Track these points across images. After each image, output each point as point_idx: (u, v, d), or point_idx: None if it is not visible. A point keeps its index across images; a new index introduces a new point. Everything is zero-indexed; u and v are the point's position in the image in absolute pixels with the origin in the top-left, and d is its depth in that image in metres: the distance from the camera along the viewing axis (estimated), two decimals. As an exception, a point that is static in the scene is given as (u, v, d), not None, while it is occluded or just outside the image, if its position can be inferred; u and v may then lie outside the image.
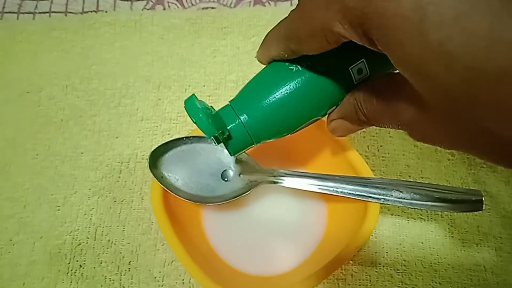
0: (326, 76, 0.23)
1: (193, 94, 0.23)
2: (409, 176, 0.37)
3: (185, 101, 0.22)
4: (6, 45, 0.42)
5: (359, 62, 0.23)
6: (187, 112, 0.22)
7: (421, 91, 0.16)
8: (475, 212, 0.35)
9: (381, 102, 0.21)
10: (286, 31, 0.21)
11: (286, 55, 0.22)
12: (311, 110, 0.24)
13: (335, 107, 0.24)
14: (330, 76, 0.23)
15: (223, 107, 0.24)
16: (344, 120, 0.24)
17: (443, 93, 0.15)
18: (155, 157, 0.31)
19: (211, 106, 0.24)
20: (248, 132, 0.24)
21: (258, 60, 0.25)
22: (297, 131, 0.25)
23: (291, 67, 0.23)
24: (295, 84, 0.23)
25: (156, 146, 0.31)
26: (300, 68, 0.23)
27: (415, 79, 0.16)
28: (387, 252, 0.34)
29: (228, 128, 0.23)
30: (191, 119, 0.22)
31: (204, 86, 0.41)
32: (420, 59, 0.14)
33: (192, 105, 0.22)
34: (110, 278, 0.33)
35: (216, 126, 0.22)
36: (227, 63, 0.42)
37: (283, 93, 0.23)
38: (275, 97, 0.23)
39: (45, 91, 0.40)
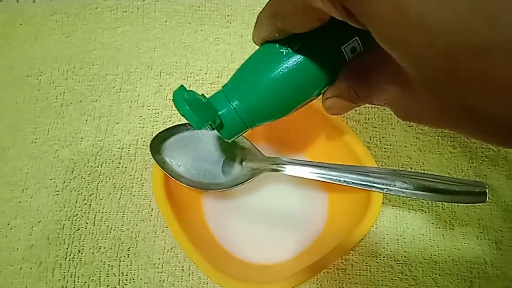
0: (318, 57, 0.22)
1: (182, 85, 0.23)
2: (411, 168, 0.37)
3: (173, 93, 0.22)
4: (6, 28, 0.42)
5: (352, 40, 0.22)
6: (175, 105, 0.22)
7: (404, 66, 0.15)
8: (476, 205, 0.35)
9: (369, 81, 0.21)
10: (272, 9, 0.21)
11: (276, 34, 0.22)
12: (304, 92, 0.23)
13: (329, 86, 0.24)
14: (322, 57, 0.22)
15: (215, 94, 0.24)
16: (338, 98, 0.23)
17: (425, 68, 0.14)
18: (157, 143, 0.31)
19: (202, 95, 0.24)
20: (240, 117, 0.23)
21: (253, 41, 0.24)
22: (292, 112, 0.24)
23: (282, 50, 0.22)
24: (286, 66, 0.22)
25: (157, 132, 0.31)
26: (291, 50, 0.22)
27: (397, 55, 0.15)
28: (387, 243, 0.34)
29: (219, 114, 0.23)
30: (179, 112, 0.22)
31: (206, 73, 0.40)
32: (400, 34, 0.14)
33: (179, 98, 0.22)
34: (108, 264, 0.33)
35: (205, 116, 0.22)
36: (230, 51, 0.42)
37: (274, 76, 0.22)
38: (266, 81, 0.22)
39: (46, 75, 0.40)
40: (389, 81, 0.19)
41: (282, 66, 0.22)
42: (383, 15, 0.14)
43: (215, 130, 0.24)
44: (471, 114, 0.14)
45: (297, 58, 0.22)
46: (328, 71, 0.23)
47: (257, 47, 0.24)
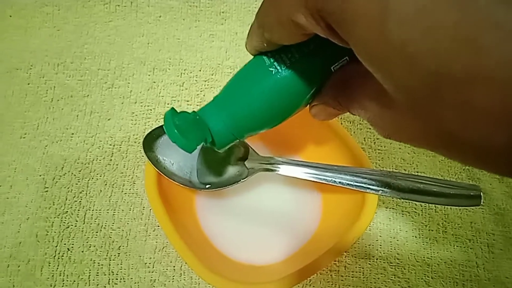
0: (307, 74, 0.22)
1: (172, 108, 0.23)
2: (405, 169, 0.37)
3: (164, 116, 0.22)
4: (-5, 19, 0.41)
5: (342, 60, 0.22)
6: (165, 131, 0.22)
7: (387, 88, 0.15)
8: (469, 208, 0.36)
9: (351, 94, 0.20)
10: (259, 19, 0.20)
11: (265, 45, 0.21)
12: (293, 105, 0.23)
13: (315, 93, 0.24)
14: (311, 75, 0.22)
15: (205, 106, 0.24)
16: (324, 105, 0.23)
17: (407, 93, 0.14)
18: (150, 140, 0.30)
19: (193, 111, 0.24)
20: (231, 131, 0.23)
21: (246, 50, 0.24)
22: (282, 122, 0.24)
23: (271, 67, 0.22)
24: (275, 85, 0.22)
25: (150, 129, 0.30)
26: (280, 67, 0.22)
27: (379, 77, 0.15)
28: (380, 245, 0.34)
29: (209, 129, 0.23)
30: (170, 139, 0.22)
31: (200, 70, 0.40)
32: (383, 58, 0.14)
33: (169, 124, 0.22)
34: (98, 263, 0.33)
35: (196, 138, 0.22)
36: (225, 48, 0.41)
37: (263, 92, 0.22)
38: (255, 97, 0.22)
39: (36, 68, 0.39)
40: (370, 98, 0.19)
41: (271, 82, 0.22)
42: (367, 38, 0.14)
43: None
44: (453, 139, 0.14)
45: (286, 75, 0.22)
46: (316, 85, 0.22)
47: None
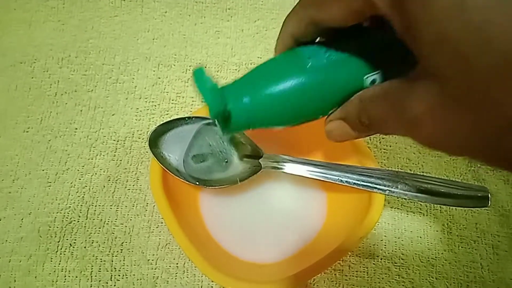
0: (338, 80, 0.21)
1: (202, 66, 0.22)
2: (410, 169, 0.37)
3: (194, 71, 0.21)
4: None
5: (375, 73, 0.21)
6: (195, 83, 0.21)
7: (447, 73, 0.15)
8: (474, 209, 0.35)
9: (387, 101, 0.19)
10: None
11: (304, 28, 0.21)
12: (313, 110, 0.23)
13: (336, 107, 0.23)
14: (343, 81, 0.22)
15: (228, 85, 0.23)
16: (343, 122, 0.22)
17: (474, 76, 0.14)
18: (156, 136, 0.30)
19: (216, 82, 0.23)
20: (246, 116, 0.22)
21: (275, 50, 0.23)
22: (292, 126, 0.24)
23: (305, 62, 0.21)
24: (305, 81, 0.21)
25: (154, 125, 0.30)
26: (314, 65, 0.21)
27: (445, 60, 0.15)
28: (385, 245, 0.34)
29: (228, 108, 0.22)
30: (198, 92, 0.21)
31: (205, 67, 0.39)
32: (457, 38, 0.14)
33: (200, 78, 0.21)
34: (101, 259, 0.32)
35: (221, 102, 0.21)
36: (230, 45, 0.41)
37: (290, 87, 0.21)
38: (282, 89, 0.21)
39: (40, 62, 0.39)
40: (416, 98, 0.17)
41: (301, 79, 0.21)
42: (440, 17, 0.14)
43: (212, 121, 0.23)
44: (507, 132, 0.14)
45: (318, 76, 0.21)
46: (343, 95, 0.22)
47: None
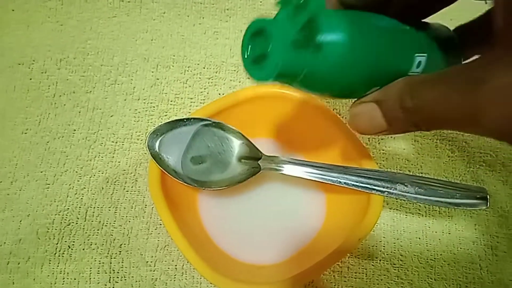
0: (395, 49, 0.21)
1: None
2: (409, 170, 0.36)
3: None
4: (-3, 13, 0.40)
5: (423, 54, 0.22)
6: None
7: None
8: (473, 210, 0.35)
9: (447, 84, 0.17)
10: None
11: None
12: (364, 73, 0.20)
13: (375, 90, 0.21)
14: (399, 50, 0.21)
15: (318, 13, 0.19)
16: (377, 105, 0.20)
17: None
18: (154, 138, 0.30)
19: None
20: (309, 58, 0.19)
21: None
22: (325, 95, 0.23)
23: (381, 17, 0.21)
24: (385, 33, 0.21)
25: (152, 127, 0.30)
26: (384, 26, 0.21)
27: None
28: (384, 246, 0.34)
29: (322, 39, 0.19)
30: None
31: (204, 68, 0.40)
32: None
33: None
34: (99, 261, 0.32)
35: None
36: (229, 46, 0.41)
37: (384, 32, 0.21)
38: (382, 29, 0.21)
39: (38, 63, 0.39)
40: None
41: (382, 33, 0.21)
42: None
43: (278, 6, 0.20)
44: None
45: (389, 34, 0.21)
46: (392, 67, 0.21)
47: None
